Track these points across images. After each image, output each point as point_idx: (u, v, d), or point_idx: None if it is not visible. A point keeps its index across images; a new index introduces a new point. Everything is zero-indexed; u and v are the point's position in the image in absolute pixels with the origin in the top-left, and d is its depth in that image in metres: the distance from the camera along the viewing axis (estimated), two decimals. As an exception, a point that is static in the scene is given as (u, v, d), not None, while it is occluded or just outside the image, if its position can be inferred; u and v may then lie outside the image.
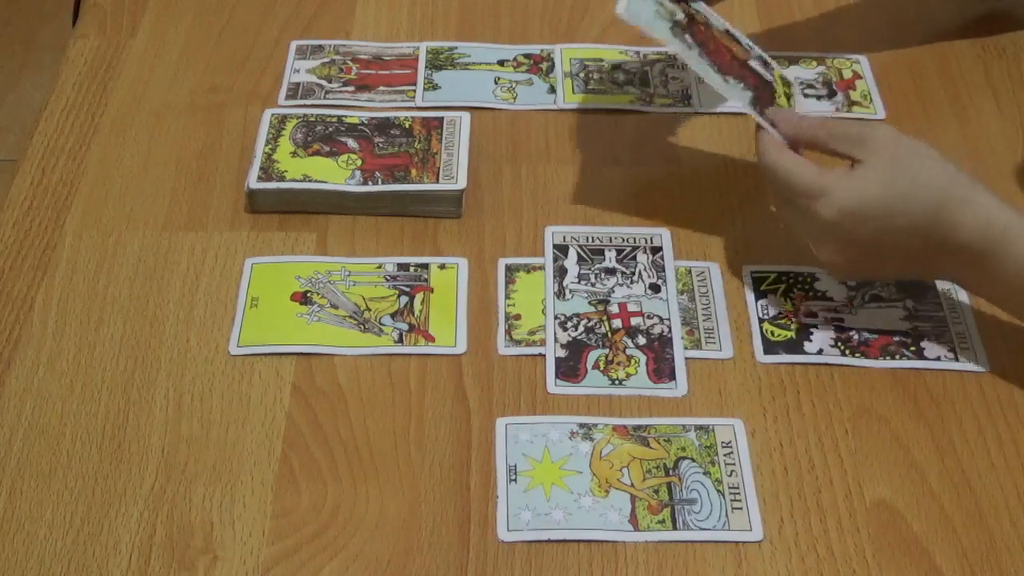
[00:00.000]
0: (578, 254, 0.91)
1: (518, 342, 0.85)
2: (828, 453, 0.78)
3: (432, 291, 0.88)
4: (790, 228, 0.85)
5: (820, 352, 0.84)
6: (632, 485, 0.76)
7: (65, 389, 0.82)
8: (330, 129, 0.98)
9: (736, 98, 0.87)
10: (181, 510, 0.75)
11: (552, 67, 1.08)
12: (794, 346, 0.85)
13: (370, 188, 0.93)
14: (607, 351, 0.84)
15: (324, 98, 1.04)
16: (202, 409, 0.81)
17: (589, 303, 0.87)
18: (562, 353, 0.84)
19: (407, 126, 0.99)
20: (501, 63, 1.08)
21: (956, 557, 0.73)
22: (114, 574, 0.72)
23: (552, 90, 1.05)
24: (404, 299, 0.88)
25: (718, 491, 0.76)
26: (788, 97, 0.92)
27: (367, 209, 0.94)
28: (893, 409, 0.81)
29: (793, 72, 1.07)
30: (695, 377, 0.83)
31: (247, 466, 0.77)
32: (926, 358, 0.84)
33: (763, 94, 0.89)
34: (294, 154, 0.96)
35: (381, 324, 0.86)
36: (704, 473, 0.77)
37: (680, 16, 0.87)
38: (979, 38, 1.11)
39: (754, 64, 0.91)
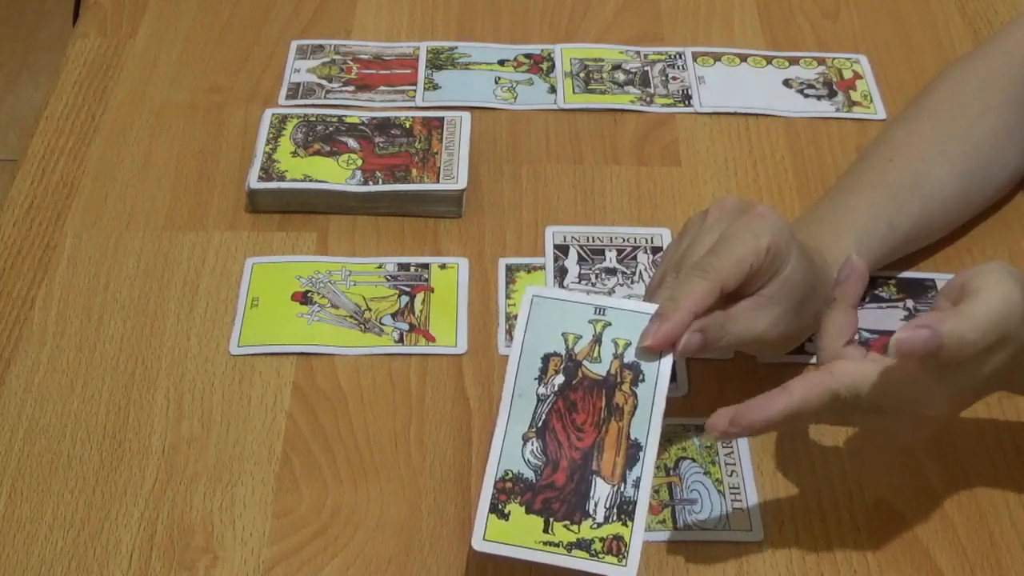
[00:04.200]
0: (578, 254, 0.91)
1: (518, 342, 0.85)
2: (828, 453, 0.78)
3: (432, 291, 0.88)
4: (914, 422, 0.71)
5: (820, 352, 0.84)
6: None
7: (66, 389, 0.82)
8: (330, 129, 0.98)
9: (500, 450, 0.71)
10: (181, 510, 0.75)
11: (552, 67, 1.08)
12: (794, 346, 0.85)
13: (370, 188, 0.93)
14: (607, 351, 0.83)
15: (324, 98, 1.04)
16: (202, 409, 0.81)
17: (589, 303, 0.86)
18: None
19: (407, 126, 0.99)
20: (501, 63, 1.08)
21: (956, 557, 0.73)
22: (115, 574, 0.72)
23: (552, 90, 1.05)
24: (404, 299, 0.88)
25: (718, 491, 0.76)
26: (575, 547, 0.68)
27: (367, 209, 0.94)
28: (893, 409, 0.81)
29: (793, 72, 1.07)
30: (695, 377, 0.83)
31: (248, 466, 0.77)
32: (926, 358, 0.84)
33: (546, 498, 0.69)
34: (294, 154, 0.96)
35: (381, 324, 0.86)
36: (704, 473, 0.77)
37: (598, 368, 0.72)
38: (980, 37, 1.11)
39: (600, 490, 0.69)
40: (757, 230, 0.73)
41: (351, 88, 1.05)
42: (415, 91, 1.05)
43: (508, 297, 0.88)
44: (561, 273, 0.89)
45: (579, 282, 0.88)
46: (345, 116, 1.00)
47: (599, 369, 0.72)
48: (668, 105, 1.04)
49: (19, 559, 0.72)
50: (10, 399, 0.81)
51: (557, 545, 0.68)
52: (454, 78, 1.06)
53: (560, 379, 0.72)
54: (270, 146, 0.97)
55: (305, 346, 0.84)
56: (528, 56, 1.09)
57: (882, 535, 0.74)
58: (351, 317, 0.86)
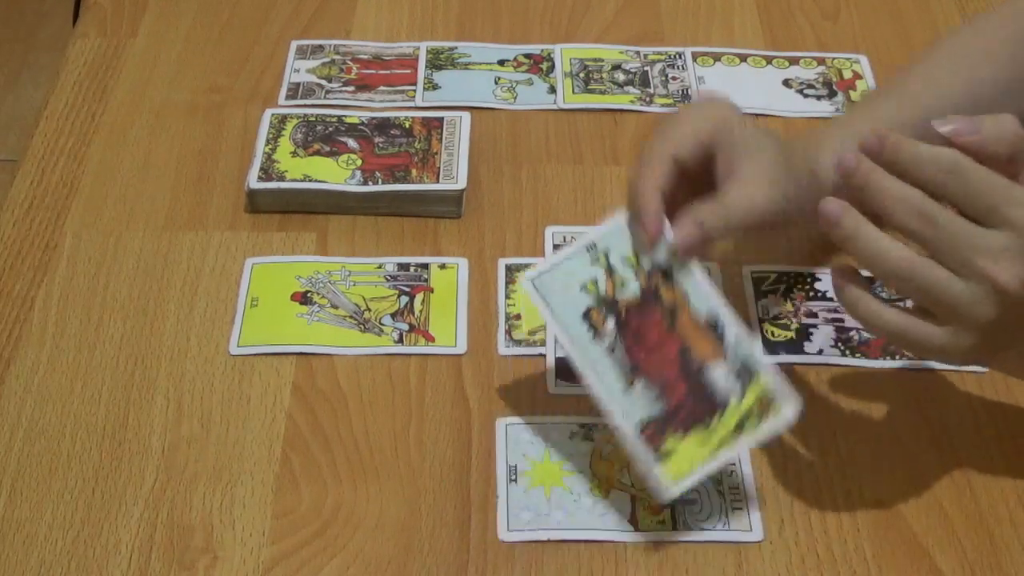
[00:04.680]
0: (578, 254, 0.90)
1: (518, 342, 0.85)
2: (828, 453, 0.78)
3: (432, 291, 0.88)
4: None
5: (820, 352, 0.84)
6: (632, 485, 0.76)
7: (65, 389, 0.82)
8: (330, 129, 0.98)
9: (623, 413, 0.71)
10: (181, 510, 0.75)
11: (552, 67, 1.07)
12: (794, 346, 0.85)
13: (370, 188, 0.93)
14: (607, 351, 0.83)
15: (324, 98, 1.04)
16: (202, 409, 0.81)
17: (589, 303, 0.87)
18: (562, 353, 0.84)
19: (407, 126, 0.99)
20: (501, 63, 1.08)
21: (956, 557, 0.73)
22: (114, 574, 0.72)
23: (552, 90, 1.05)
24: (404, 299, 0.88)
25: (718, 491, 0.76)
26: (745, 422, 0.71)
27: (367, 209, 0.94)
28: (893, 409, 0.81)
29: (793, 72, 1.07)
30: (695, 377, 0.83)
31: (247, 466, 0.77)
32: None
33: (684, 414, 0.72)
34: (294, 154, 0.96)
35: (381, 324, 0.86)
36: (704, 473, 0.77)
37: (629, 291, 0.73)
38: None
39: (718, 374, 0.72)
40: (703, 107, 0.76)
41: (351, 88, 1.05)
42: (415, 91, 1.05)
43: (508, 297, 0.88)
44: (561, 273, 0.89)
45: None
46: (345, 116, 1.00)
47: (633, 291, 0.73)
48: (668, 105, 1.04)
49: (19, 559, 0.72)
50: (10, 399, 0.81)
51: (726, 439, 0.71)
52: (454, 78, 1.06)
53: (611, 323, 0.72)
54: (270, 146, 0.97)
55: (305, 346, 0.84)
56: (528, 56, 1.09)
57: (882, 535, 0.74)
58: (351, 317, 0.86)
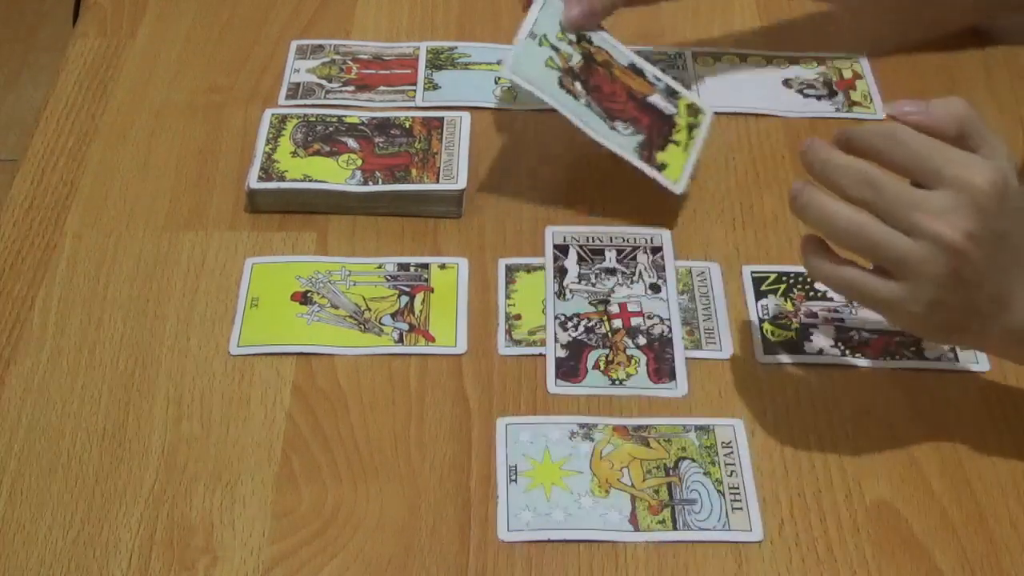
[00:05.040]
0: (578, 254, 0.91)
1: (518, 342, 0.85)
2: (828, 453, 0.78)
3: (432, 291, 0.88)
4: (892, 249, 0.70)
5: (820, 352, 0.84)
6: (632, 485, 0.76)
7: (65, 389, 0.82)
8: (330, 129, 0.98)
9: (621, 146, 0.90)
10: (181, 510, 0.75)
11: (552, 67, 1.07)
12: (794, 346, 0.85)
13: (370, 188, 0.93)
14: (607, 351, 0.84)
15: (324, 98, 1.04)
16: (202, 409, 0.81)
17: (589, 303, 0.87)
18: (562, 353, 0.84)
19: (407, 126, 0.99)
20: (501, 63, 1.08)
21: (956, 557, 0.73)
22: (114, 574, 0.72)
23: (552, 90, 1.05)
24: (404, 299, 0.88)
25: (718, 491, 0.76)
26: (692, 128, 0.93)
27: (367, 209, 0.94)
28: (893, 409, 0.81)
29: (793, 72, 1.07)
30: (695, 377, 0.83)
31: (247, 466, 0.77)
32: (926, 358, 0.84)
33: (656, 135, 0.91)
34: (294, 154, 0.96)
35: (381, 324, 0.86)
36: (704, 473, 0.77)
37: (576, 60, 0.90)
38: (980, 35, 1.11)
39: (656, 99, 0.93)
40: None
41: (351, 88, 1.05)
42: (415, 91, 1.05)
43: (508, 297, 0.88)
44: (561, 273, 0.89)
45: (579, 282, 0.88)
46: (345, 116, 1.00)
47: (577, 59, 0.91)
48: (668, 105, 1.04)
49: (19, 559, 0.72)
50: (10, 399, 0.81)
51: (686, 142, 0.92)
52: (454, 78, 1.06)
53: (578, 86, 0.89)
54: (270, 146, 0.97)
55: (305, 346, 0.84)
56: (528, 56, 1.09)
57: (882, 535, 0.74)
58: (351, 317, 0.86)
